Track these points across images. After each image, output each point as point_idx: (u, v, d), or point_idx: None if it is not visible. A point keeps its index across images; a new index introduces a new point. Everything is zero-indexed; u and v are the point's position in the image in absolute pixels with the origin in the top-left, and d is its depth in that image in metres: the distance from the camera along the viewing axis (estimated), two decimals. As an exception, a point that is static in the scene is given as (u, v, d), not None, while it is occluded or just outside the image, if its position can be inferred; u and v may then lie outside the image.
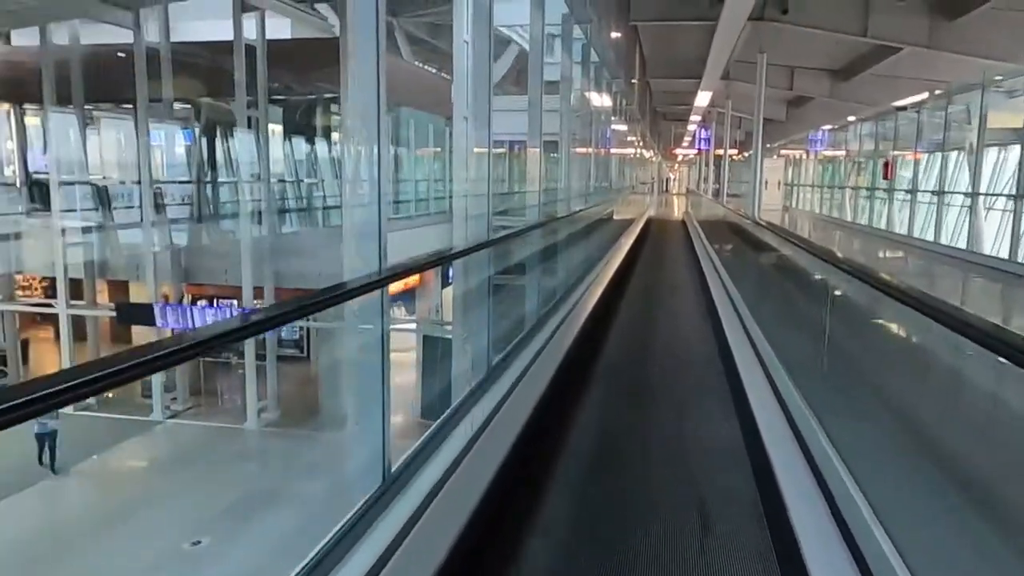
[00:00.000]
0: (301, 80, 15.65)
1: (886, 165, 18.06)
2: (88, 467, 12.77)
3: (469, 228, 3.69)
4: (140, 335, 16.98)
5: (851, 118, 25.10)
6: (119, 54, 14.77)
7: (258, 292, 15.58)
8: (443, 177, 19.16)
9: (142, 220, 15.24)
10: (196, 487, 12.08)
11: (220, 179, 17.09)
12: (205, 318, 15.00)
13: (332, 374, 15.45)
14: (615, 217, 14.51)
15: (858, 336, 4.24)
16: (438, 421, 2.87)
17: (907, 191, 17.31)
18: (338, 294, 2.09)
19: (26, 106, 16.40)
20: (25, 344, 18.89)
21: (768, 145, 27.88)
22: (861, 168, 24.48)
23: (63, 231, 15.39)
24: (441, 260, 2.88)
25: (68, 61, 15.54)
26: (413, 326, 18.39)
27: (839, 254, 3.34)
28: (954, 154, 16.42)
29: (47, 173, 16.96)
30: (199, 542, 10.34)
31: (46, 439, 12.65)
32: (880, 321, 4.21)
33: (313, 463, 13.40)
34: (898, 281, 2.29)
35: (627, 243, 13.10)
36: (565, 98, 6.98)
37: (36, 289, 20.39)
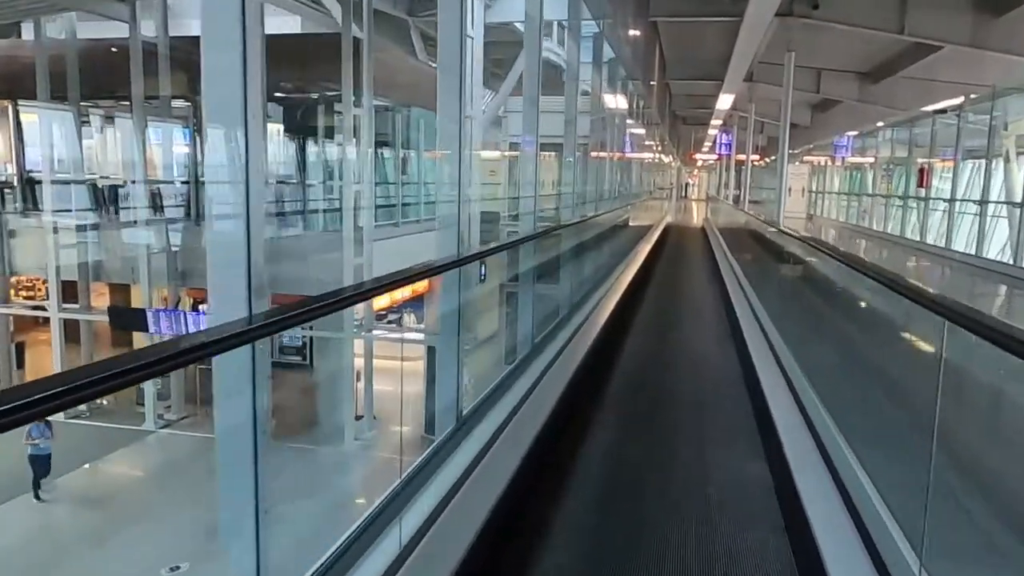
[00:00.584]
0: (302, 77, 15.01)
1: (921, 172, 17.09)
2: (71, 480, 12.11)
3: (441, 242, 2.97)
4: (142, 340, 16.34)
5: (880, 123, 24.10)
6: (112, 48, 14.19)
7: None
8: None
9: (135, 221, 14.65)
10: (181, 504, 11.38)
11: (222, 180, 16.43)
12: (199, 325, 14.35)
13: (329, 385, 14.81)
14: (631, 223, 13.72)
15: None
16: (369, 512, 2.11)
17: (945, 200, 16.31)
18: (182, 350, 1.33)
19: (22, 102, 15.85)
20: (21, 347, 18.36)
21: (791, 151, 26.89)
22: (891, 175, 23.43)
23: (55, 231, 14.82)
24: (354, 297, 2.12)
25: (63, 56, 15.01)
26: (420, 336, 17.68)
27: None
28: (992, 161, 15.49)
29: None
30: (178, 567, 9.65)
31: (40, 463, 11.76)
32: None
33: (304, 481, 12.70)
34: None
35: (643, 252, 12.30)
36: (571, 95, 6.17)
37: (40, 291, 19.88)
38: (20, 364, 18.47)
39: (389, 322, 22.12)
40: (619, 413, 4.47)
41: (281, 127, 16.37)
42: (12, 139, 15.91)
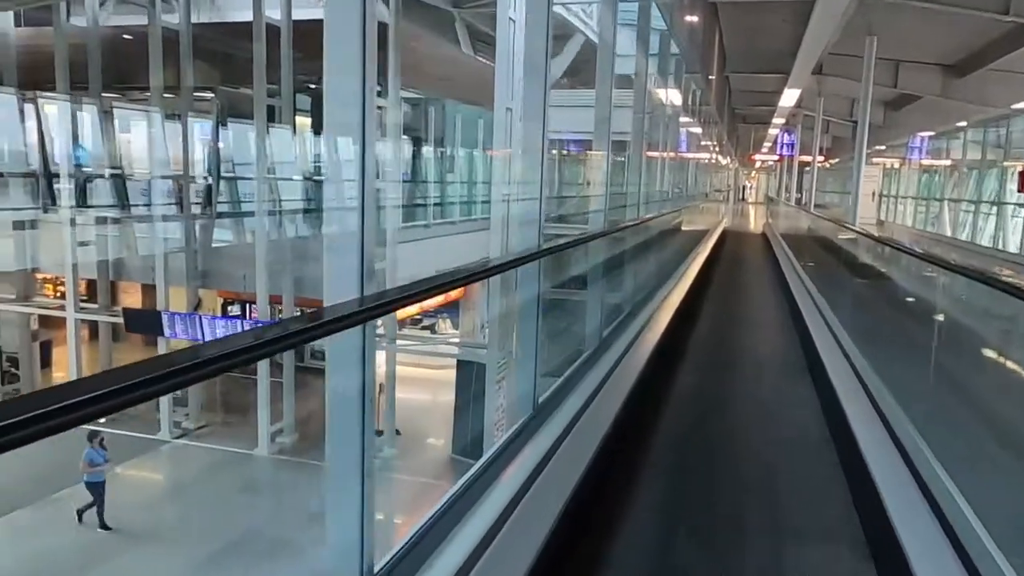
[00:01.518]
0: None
1: (1022, 176, 15.16)
2: (69, 495, 11.27)
3: (333, 276, 1.76)
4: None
5: (962, 122, 22.02)
6: (125, 36, 13.41)
7: (275, 299, 14.02)
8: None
9: (152, 219, 13.86)
10: (180, 530, 10.48)
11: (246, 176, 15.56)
12: (215, 330, 13.46)
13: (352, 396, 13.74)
14: (684, 228, 12.29)
15: None
16: None
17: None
18: None
19: (44, 94, 15.21)
20: (47, 346, 17.85)
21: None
22: (980, 179, 21.29)
23: (73, 228, 14.11)
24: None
25: (85, 44, 14.33)
26: (453, 349, 16.47)
27: None
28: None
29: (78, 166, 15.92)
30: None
31: (99, 489, 10.77)
32: None
33: (320, 505, 11.63)
34: None
35: (697, 262, 10.86)
36: (604, 84, 4.81)
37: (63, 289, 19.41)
38: (46, 363, 18.01)
39: (424, 327, 21.03)
40: (663, 513, 3.15)
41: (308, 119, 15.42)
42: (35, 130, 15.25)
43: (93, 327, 16.99)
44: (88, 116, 14.91)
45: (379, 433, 13.90)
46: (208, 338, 13.44)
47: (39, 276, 17.90)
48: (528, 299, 2.91)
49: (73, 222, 14.29)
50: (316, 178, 14.89)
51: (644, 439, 3.92)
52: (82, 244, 14.43)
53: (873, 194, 26.92)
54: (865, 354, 4.88)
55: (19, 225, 14.99)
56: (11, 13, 14.98)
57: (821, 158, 29.23)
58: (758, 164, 49.56)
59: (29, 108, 14.99)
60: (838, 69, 18.75)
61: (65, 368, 17.26)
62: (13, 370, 16.64)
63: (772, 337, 7.16)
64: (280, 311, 14.87)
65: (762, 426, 4.57)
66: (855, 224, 12.09)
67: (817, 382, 5.05)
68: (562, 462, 2.79)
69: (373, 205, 1.79)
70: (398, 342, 14.54)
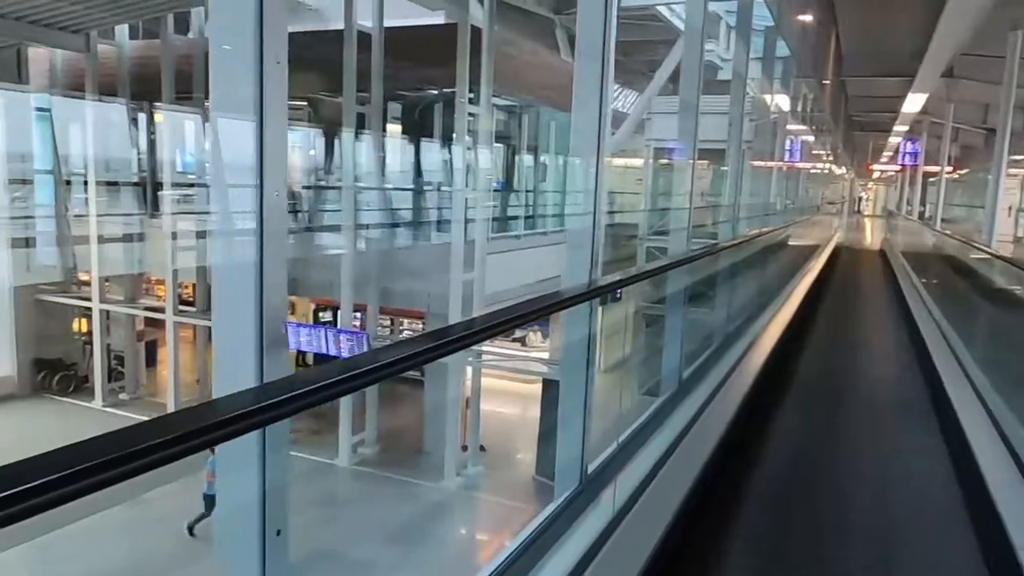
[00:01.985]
0: (422, 74, 13.77)
1: None
2: (151, 497, 11.42)
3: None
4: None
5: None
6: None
7: (359, 307, 13.92)
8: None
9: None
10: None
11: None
12: (299, 337, 13.44)
13: (436, 410, 13.43)
14: (792, 243, 11.28)
15: None
16: None
17: None
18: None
19: (154, 104, 15.78)
20: (152, 345, 18.54)
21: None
22: None
23: (174, 234, 14.53)
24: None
25: (190, 55, 14.73)
26: (541, 367, 15.87)
27: None
28: None
29: (183, 173, 16.53)
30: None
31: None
32: None
33: (397, 524, 11.35)
34: None
35: (803, 285, 9.85)
36: (691, 68, 4.12)
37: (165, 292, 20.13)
38: (151, 362, 18.72)
39: (515, 339, 20.58)
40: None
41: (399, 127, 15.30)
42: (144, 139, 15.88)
43: (196, 329, 17.53)
44: (193, 125, 15.35)
45: (464, 448, 13.54)
46: (291, 346, 13.49)
47: (153, 278, 18.69)
48: (575, 344, 2.33)
49: (174, 228, 14.74)
50: (406, 188, 14.75)
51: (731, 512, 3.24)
52: (183, 249, 14.84)
53: (1010, 209, 24.48)
54: (1006, 398, 3.98)
55: (128, 230, 15.65)
56: (126, 26, 15.61)
57: (949, 168, 26.93)
58: (876, 174, 46.60)
59: (138, 118, 15.63)
60: (971, 71, 17.06)
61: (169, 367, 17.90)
62: (119, 368, 17.35)
63: (891, 375, 6.19)
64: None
65: (877, 485, 3.76)
66: (992, 242, 10.73)
67: (947, 434, 4.18)
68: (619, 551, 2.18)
69: (282, 225, 1.27)
70: (484, 357, 14.08)
